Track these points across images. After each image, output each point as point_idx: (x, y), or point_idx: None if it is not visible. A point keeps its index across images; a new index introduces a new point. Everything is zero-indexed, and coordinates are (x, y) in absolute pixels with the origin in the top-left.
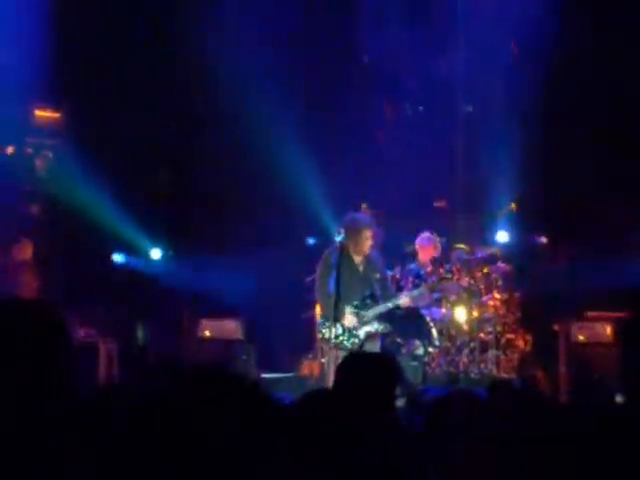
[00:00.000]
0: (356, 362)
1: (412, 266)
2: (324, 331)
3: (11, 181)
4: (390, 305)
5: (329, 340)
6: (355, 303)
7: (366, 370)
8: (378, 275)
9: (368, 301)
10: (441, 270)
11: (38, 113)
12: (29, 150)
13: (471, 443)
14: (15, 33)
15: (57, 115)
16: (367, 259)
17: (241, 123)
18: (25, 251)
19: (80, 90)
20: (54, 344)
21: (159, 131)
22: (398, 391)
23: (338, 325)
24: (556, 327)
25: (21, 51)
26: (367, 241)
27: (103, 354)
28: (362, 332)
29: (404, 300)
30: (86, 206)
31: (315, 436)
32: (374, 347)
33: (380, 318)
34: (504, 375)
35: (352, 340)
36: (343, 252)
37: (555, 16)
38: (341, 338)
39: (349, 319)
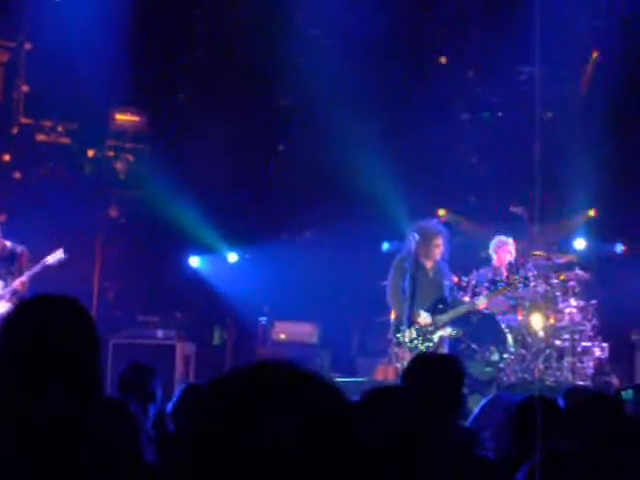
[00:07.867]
0: (424, 362)
1: (485, 270)
2: (399, 335)
3: (92, 184)
4: (463, 309)
5: (404, 344)
6: (428, 307)
7: (434, 370)
8: (446, 281)
9: (440, 306)
10: (514, 277)
11: (119, 116)
12: (110, 153)
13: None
14: (96, 36)
15: (138, 118)
16: (436, 265)
17: (322, 127)
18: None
19: (161, 93)
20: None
21: (241, 134)
22: (465, 392)
23: (413, 329)
24: (633, 335)
25: (102, 54)
26: (437, 248)
27: (180, 355)
28: (436, 336)
29: (482, 301)
30: (165, 209)
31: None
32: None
33: (454, 323)
34: (579, 382)
35: (426, 344)
36: (415, 257)
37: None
38: (415, 342)
39: (424, 317)
